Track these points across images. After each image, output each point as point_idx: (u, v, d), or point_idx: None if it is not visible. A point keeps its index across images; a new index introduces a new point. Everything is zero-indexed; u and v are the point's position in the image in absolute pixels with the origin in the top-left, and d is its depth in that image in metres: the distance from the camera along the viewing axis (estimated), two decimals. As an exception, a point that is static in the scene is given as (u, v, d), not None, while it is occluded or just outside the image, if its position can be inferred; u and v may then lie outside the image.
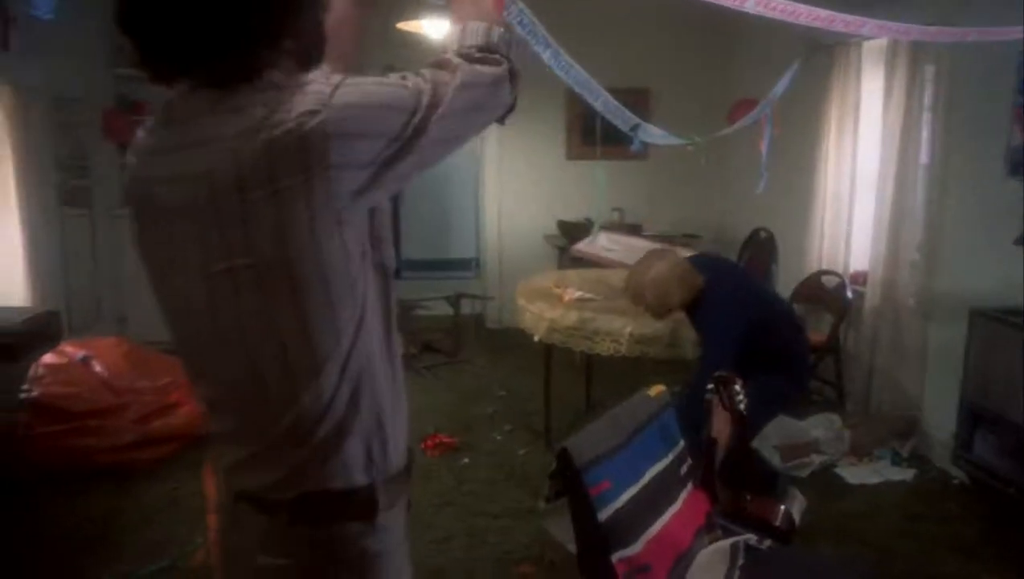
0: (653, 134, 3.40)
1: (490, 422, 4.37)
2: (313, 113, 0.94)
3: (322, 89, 0.97)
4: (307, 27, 1.05)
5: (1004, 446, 3.18)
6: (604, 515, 1.99)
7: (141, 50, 1.01)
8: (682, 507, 2.32)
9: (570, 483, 2.00)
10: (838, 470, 3.69)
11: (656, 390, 2.43)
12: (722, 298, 3.00)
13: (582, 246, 4.72)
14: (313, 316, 0.99)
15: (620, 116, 3.00)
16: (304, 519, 1.06)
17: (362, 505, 1.08)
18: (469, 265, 7.27)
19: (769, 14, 1.59)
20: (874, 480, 3.62)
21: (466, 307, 6.10)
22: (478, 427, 4.29)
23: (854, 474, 3.66)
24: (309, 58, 1.06)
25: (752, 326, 2.91)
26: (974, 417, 3.34)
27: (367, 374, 1.06)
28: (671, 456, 2.35)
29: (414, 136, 1.00)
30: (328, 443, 1.04)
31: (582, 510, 2.00)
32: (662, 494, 2.25)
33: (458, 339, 5.75)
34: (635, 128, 3.25)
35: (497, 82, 1.10)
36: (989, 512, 3.24)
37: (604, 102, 2.84)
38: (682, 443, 2.40)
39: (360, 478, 1.07)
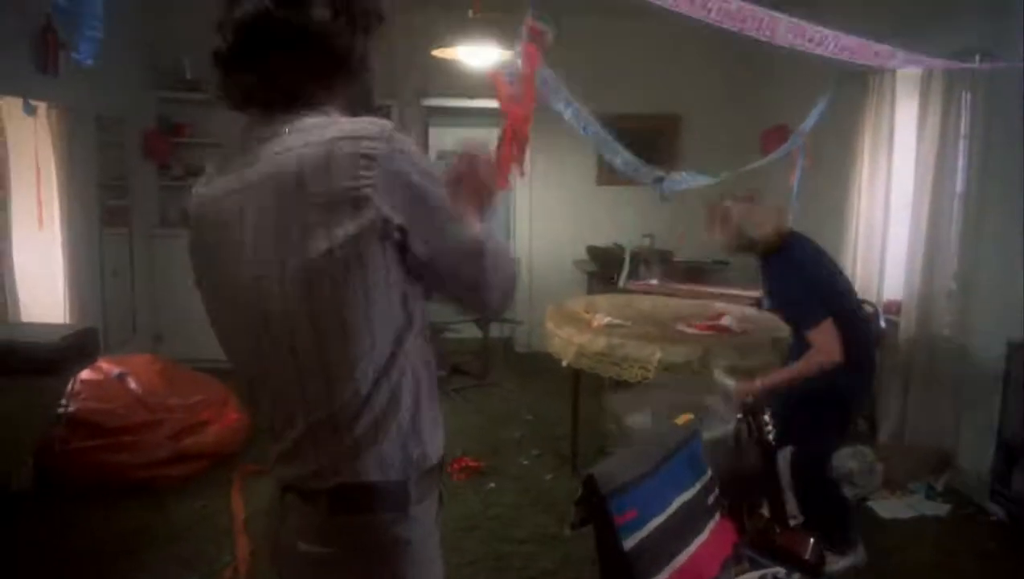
0: (678, 181, 3.37)
1: (517, 446, 4.36)
2: (372, 139, 1.07)
3: (377, 132, 1.08)
4: (362, 87, 1.23)
5: (1043, 483, 3.10)
6: (629, 544, 1.98)
7: (232, 86, 1.17)
8: (709, 537, 2.29)
9: (595, 510, 1.99)
10: (870, 503, 3.61)
11: (684, 419, 2.42)
12: (803, 257, 2.89)
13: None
14: (349, 316, 1.08)
15: (641, 172, 3.01)
16: (341, 509, 1.15)
17: (395, 497, 1.16)
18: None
19: (800, 44, 1.59)
20: (908, 514, 3.55)
21: (495, 331, 6.12)
22: (505, 451, 4.28)
23: (887, 508, 3.59)
24: (354, 109, 1.22)
25: (826, 295, 2.79)
26: (1012, 452, 3.26)
27: (408, 378, 1.16)
28: (698, 486, 2.33)
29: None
30: (366, 438, 1.13)
31: (607, 538, 1.98)
32: (689, 524, 2.22)
33: (487, 362, 5.75)
34: (659, 181, 3.25)
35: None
36: (1028, 551, 3.15)
37: (624, 161, 2.87)
38: (709, 473, 2.38)
39: (394, 473, 1.15)
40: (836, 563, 3.12)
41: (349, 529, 1.16)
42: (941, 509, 3.59)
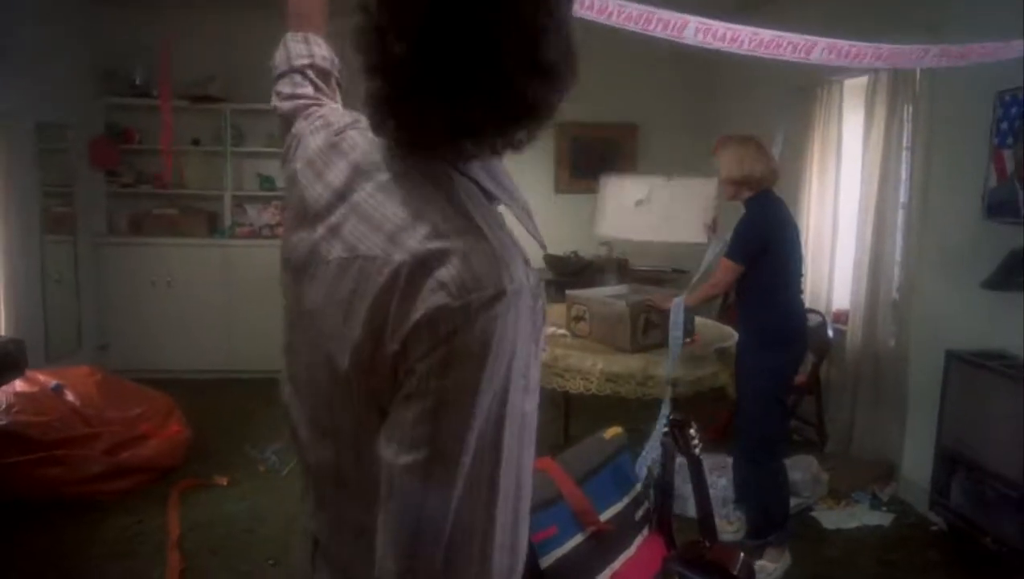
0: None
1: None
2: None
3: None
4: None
5: (980, 494, 3.11)
6: (547, 562, 1.94)
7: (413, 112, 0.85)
8: (636, 553, 2.26)
9: (513, 528, 1.95)
10: (814, 514, 3.61)
11: (612, 432, 2.39)
12: (769, 212, 3.12)
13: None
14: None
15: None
16: None
17: None
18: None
19: (710, 42, 1.57)
20: (851, 525, 3.55)
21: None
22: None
23: (830, 518, 3.59)
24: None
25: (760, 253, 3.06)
26: (951, 463, 3.27)
27: None
28: (626, 500, 2.30)
29: None
30: None
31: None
32: (614, 540, 2.20)
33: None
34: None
35: None
36: (966, 561, 3.15)
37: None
38: (639, 486, 2.35)
39: None
40: (772, 572, 3.13)
41: None
42: (884, 519, 3.60)
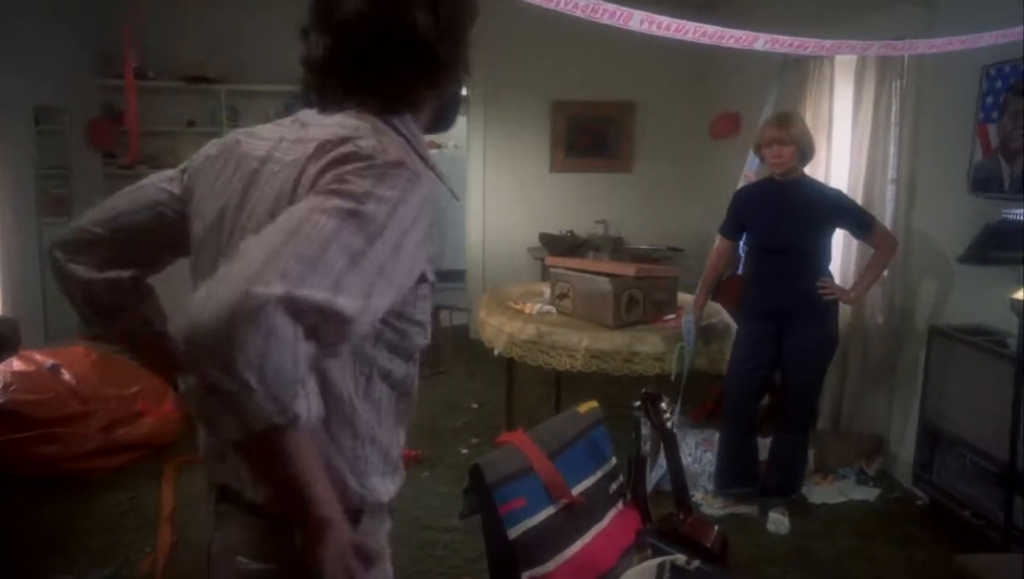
0: None
1: (458, 435, 4.36)
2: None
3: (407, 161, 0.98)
4: (446, 92, 1.16)
5: (962, 468, 3.13)
6: (515, 533, 1.98)
7: (329, 89, 1.09)
8: (608, 526, 2.29)
9: (481, 500, 1.99)
10: (802, 489, 3.63)
11: (587, 407, 2.42)
12: (813, 189, 3.29)
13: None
14: None
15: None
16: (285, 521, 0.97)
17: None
18: (460, 277, 7.27)
19: (656, 32, 1.59)
20: (837, 499, 3.58)
21: (455, 318, 6.10)
22: (446, 440, 4.28)
23: (817, 493, 3.62)
24: (435, 123, 1.19)
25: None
26: (934, 438, 3.29)
27: (337, 406, 1.03)
28: (599, 474, 2.33)
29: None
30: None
31: (492, 527, 1.98)
32: (586, 513, 2.23)
33: (438, 351, 5.74)
34: None
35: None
36: (947, 536, 3.18)
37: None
38: (613, 461, 2.38)
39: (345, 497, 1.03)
40: (788, 525, 3.29)
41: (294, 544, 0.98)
42: (870, 494, 3.63)
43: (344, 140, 0.98)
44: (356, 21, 1.05)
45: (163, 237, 1.20)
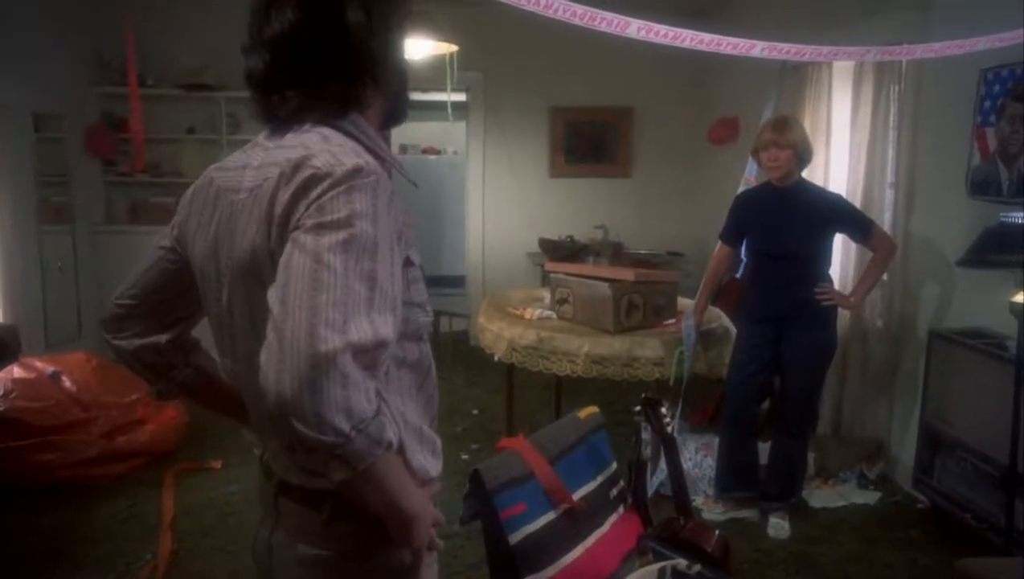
0: None
1: (458, 441, 4.35)
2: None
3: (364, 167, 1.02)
4: (391, 88, 1.19)
5: (963, 471, 3.13)
6: (516, 538, 1.98)
7: (275, 105, 1.13)
8: (609, 531, 2.29)
9: (482, 505, 1.99)
10: (803, 494, 3.63)
11: (587, 412, 2.42)
12: (808, 194, 3.29)
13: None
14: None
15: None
16: (344, 513, 1.10)
17: None
18: (459, 283, 7.28)
19: (653, 39, 1.60)
20: (838, 503, 3.57)
21: (455, 324, 6.10)
22: (447, 445, 4.19)
23: (818, 498, 3.61)
24: (388, 119, 1.23)
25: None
26: (934, 441, 3.29)
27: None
28: (600, 479, 2.33)
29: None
30: None
31: (493, 532, 1.98)
32: (587, 518, 2.23)
33: (438, 357, 5.73)
34: None
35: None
36: (949, 539, 3.17)
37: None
38: (614, 466, 2.38)
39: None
40: (788, 529, 3.29)
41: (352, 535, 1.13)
42: (871, 498, 3.62)
43: (299, 164, 1.02)
44: (290, 32, 1.09)
45: (175, 289, 1.28)
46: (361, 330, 0.91)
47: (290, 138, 1.09)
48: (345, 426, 0.89)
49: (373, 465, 0.94)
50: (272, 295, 0.94)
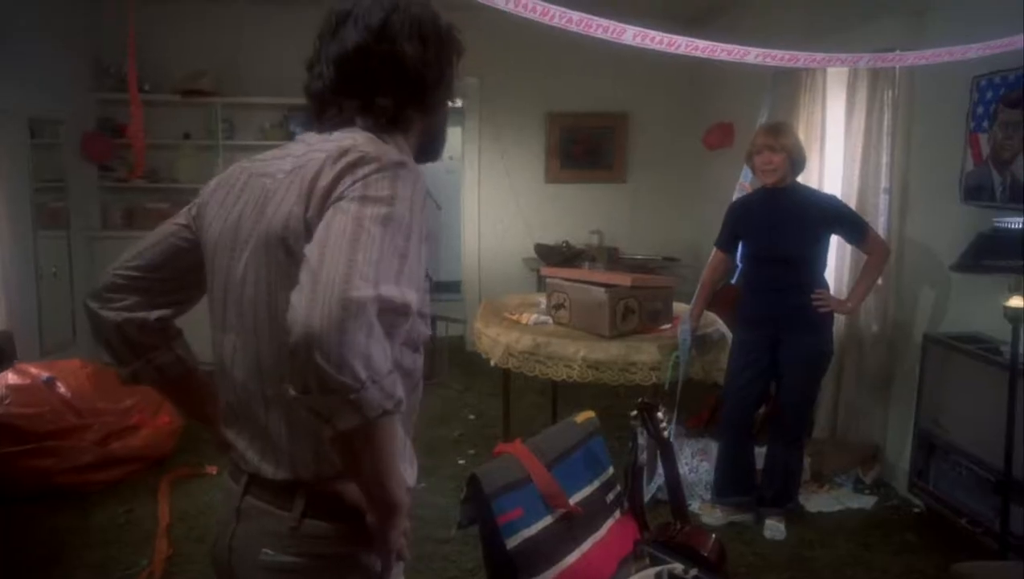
0: None
1: (455, 446, 4.35)
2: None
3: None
4: (433, 119, 1.29)
5: (958, 475, 3.14)
6: (513, 543, 1.98)
7: (329, 118, 1.21)
8: (606, 536, 2.30)
9: (479, 510, 2.00)
10: (799, 498, 3.63)
11: (584, 416, 2.42)
12: (798, 198, 3.30)
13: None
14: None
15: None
16: (315, 513, 1.13)
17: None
18: (456, 288, 7.28)
19: (649, 46, 1.61)
20: (833, 508, 3.58)
21: (451, 329, 6.10)
22: (443, 450, 4.28)
23: (814, 502, 3.62)
24: (422, 152, 1.31)
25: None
26: (929, 445, 3.30)
27: None
28: (597, 483, 2.34)
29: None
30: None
31: (490, 537, 1.99)
32: (584, 522, 2.23)
33: (434, 362, 5.74)
34: None
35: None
36: (944, 543, 3.18)
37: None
38: (611, 470, 2.39)
39: None
40: (784, 531, 3.31)
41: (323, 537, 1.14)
42: (867, 502, 3.63)
43: (348, 149, 1.08)
44: (355, 53, 1.18)
45: (178, 268, 1.29)
46: (390, 290, 0.95)
47: (337, 135, 1.16)
48: (363, 373, 0.90)
49: (380, 422, 0.94)
50: (310, 248, 0.97)
